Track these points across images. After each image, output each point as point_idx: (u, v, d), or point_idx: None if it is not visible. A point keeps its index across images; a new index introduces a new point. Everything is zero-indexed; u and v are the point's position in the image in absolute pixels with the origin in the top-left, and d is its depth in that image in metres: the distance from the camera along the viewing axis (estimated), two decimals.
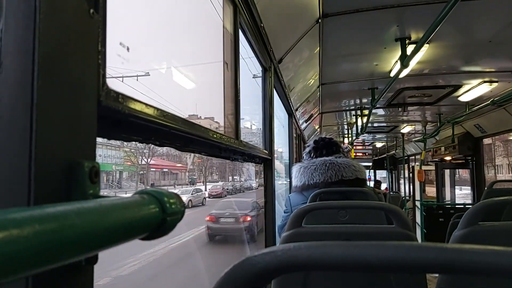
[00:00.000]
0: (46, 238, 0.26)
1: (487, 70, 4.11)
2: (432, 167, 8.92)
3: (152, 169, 29.59)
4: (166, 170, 32.27)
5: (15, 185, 0.40)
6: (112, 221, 0.35)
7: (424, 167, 7.71)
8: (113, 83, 0.59)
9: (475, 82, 4.50)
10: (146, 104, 0.69)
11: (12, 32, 0.42)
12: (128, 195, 0.45)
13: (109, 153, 25.26)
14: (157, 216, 0.43)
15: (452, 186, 9.69)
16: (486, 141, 9.35)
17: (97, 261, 0.46)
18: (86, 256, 0.32)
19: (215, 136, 1.17)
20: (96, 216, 0.33)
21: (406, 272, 0.39)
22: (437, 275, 1.30)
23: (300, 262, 0.40)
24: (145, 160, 28.05)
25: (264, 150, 2.31)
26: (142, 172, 27.81)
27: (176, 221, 0.46)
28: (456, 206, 7.13)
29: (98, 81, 0.53)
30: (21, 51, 0.42)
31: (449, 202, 8.91)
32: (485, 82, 4.43)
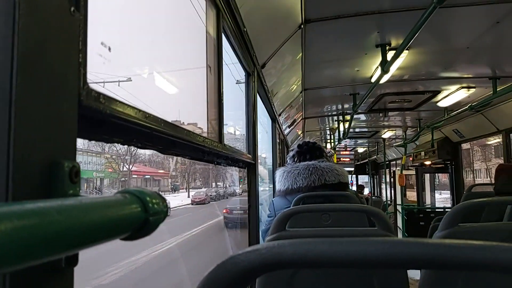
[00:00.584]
0: (25, 234, 0.25)
1: (465, 76, 4.21)
2: (413, 172, 9.07)
3: (134, 176, 29.22)
4: (148, 176, 31.90)
5: None
6: (93, 219, 0.34)
7: (405, 172, 7.83)
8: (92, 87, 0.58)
9: (453, 88, 4.61)
10: (128, 105, 0.68)
11: None
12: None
13: (89, 159, 24.83)
14: (139, 216, 0.42)
15: (432, 190, 9.88)
16: (465, 146, 9.58)
17: (77, 263, 0.45)
18: (67, 254, 0.32)
19: (198, 139, 1.17)
20: (77, 213, 0.32)
21: (389, 268, 0.40)
22: (418, 278, 1.31)
23: (285, 259, 0.40)
24: (127, 166, 27.69)
25: (248, 155, 2.31)
26: (123, 179, 27.42)
27: (159, 221, 0.46)
28: (436, 209, 7.26)
29: (78, 80, 0.52)
30: None
31: (429, 206, 9.06)
32: (463, 88, 4.54)
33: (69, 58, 0.50)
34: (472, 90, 4.58)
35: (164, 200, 0.48)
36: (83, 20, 0.53)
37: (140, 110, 0.73)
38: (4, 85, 0.40)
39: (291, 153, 2.44)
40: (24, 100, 0.42)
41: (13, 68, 0.41)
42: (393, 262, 0.39)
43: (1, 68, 0.40)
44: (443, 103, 5.21)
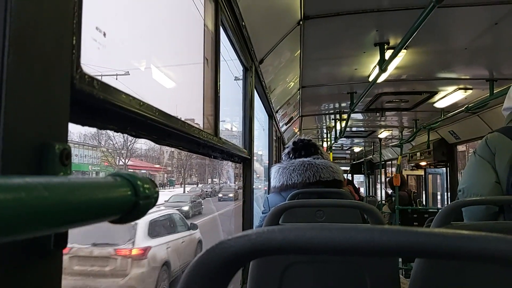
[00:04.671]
0: (10, 207, 0.25)
1: (462, 77, 4.22)
2: (414, 172, 9.09)
3: (129, 170, 29.12)
4: (144, 171, 31.86)
5: None
6: (82, 199, 0.34)
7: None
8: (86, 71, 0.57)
9: (450, 88, 4.62)
10: (122, 92, 0.68)
11: None
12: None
13: (85, 153, 24.75)
14: (129, 199, 0.42)
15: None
16: (460, 148, 9.60)
17: (66, 245, 0.45)
18: (53, 232, 0.31)
19: (193, 131, 1.16)
20: (65, 191, 0.32)
21: (380, 256, 0.39)
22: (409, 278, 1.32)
23: (274, 245, 0.40)
24: (123, 160, 27.63)
25: (244, 150, 2.31)
26: None
27: (149, 206, 0.46)
28: (430, 210, 7.28)
29: (71, 62, 0.52)
30: None
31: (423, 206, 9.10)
32: (460, 89, 4.56)
33: (62, 40, 0.49)
34: (469, 92, 4.59)
35: (155, 185, 0.48)
36: (78, 2, 0.52)
37: (134, 98, 0.72)
38: None
39: (286, 150, 2.44)
40: (16, 80, 0.41)
41: (4, 47, 0.40)
42: (384, 250, 0.38)
43: None
44: (440, 104, 5.22)
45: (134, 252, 6.21)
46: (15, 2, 0.41)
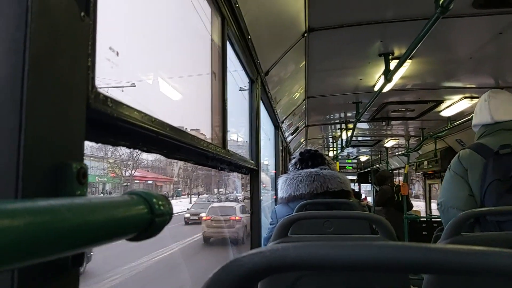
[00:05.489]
0: (37, 230, 0.26)
1: (468, 86, 4.21)
2: (434, 181, 9.01)
3: (136, 181, 29.24)
4: (151, 182, 31.92)
5: (3, 184, 0.39)
6: (101, 219, 0.35)
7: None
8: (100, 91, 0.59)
9: (456, 97, 4.61)
10: (135, 109, 0.69)
11: (3, 31, 0.42)
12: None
13: (92, 164, 24.89)
14: (145, 217, 0.43)
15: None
16: None
17: (83, 263, 0.46)
18: (75, 252, 0.32)
19: (202, 144, 1.17)
20: (86, 212, 0.33)
21: (392, 272, 0.40)
22: None
23: (288, 262, 0.40)
24: (129, 171, 27.73)
25: (251, 161, 2.32)
26: (126, 184, 27.44)
27: (164, 223, 0.46)
28: (439, 219, 7.21)
29: (87, 83, 0.53)
30: (11, 51, 0.42)
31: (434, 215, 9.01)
32: (466, 98, 4.54)
33: (78, 62, 0.51)
34: (475, 100, 4.58)
35: (169, 202, 0.49)
36: (92, 25, 0.54)
37: (146, 114, 0.74)
38: (15, 87, 0.41)
39: (293, 161, 2.45)
40: (35, 102, 0.43)
41: (24, 70, 0.42)
42: (396, 267, 0.39)
43: (12, 71, 0.41)
44: (446, 113, 5.21)
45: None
46: (33, 28, 0.42)
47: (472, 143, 2.07)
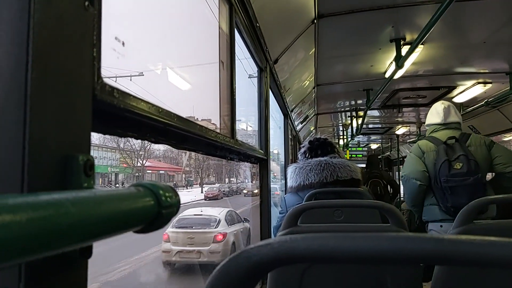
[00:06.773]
0: (40, 225, 0.26)
1: (481, 71, 4.13)
2: None
3: (148, 171, 29.50)
4: (163, 172, 32.15)
5: (8, 176, 0.39)
6: (107, 212, 0.35)
7: None
8: (106, 81, 0.58)
9: (469, 83, 4.53)
10: (142, 100, 0.69)
11: (7, 22, 0.41)
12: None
13: (104, 154, 25.14)
14: (152, 209, 0.43)
15: None
16: None
17: (91, 255, 0.46)
18: (80, 246, 0.32)
19: (211, 134, 1.17)
20: (91, 205, 0.32)
21: (404, 264, 0.39)
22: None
23: (297, 254, 0.40)
24: (141, 162, 27.96)
25: (260, 150, 2.31)
26: (137, 174, 27.70)
27: (172, 214, 0.46)
28: None
29: (92, 74, 0.52)
30: (15, 42, 0.41)
31: None
32: (479, 83, 4.46)
33: (83, 53, 0.50)
34: (489, 86, 4.49)
35: (176, 193, 0.48)
36: (97, 14, 0.53)
37: (153, 105, 0.73)
38: (20, 79, 0.41)
39: (302, 149, 2.43)
40: (39, 94, 0.42)
41: (28, 62, 0.41)
42: (407, 258, 0.38)
43: (16, 63, 0.41)
44: (458, 99, 5.12)
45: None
46: (37, 19, 0.42)
47: (426, 136, 2.89)
